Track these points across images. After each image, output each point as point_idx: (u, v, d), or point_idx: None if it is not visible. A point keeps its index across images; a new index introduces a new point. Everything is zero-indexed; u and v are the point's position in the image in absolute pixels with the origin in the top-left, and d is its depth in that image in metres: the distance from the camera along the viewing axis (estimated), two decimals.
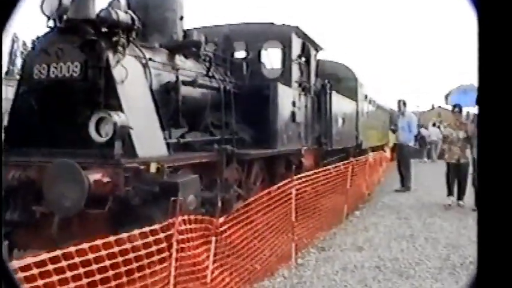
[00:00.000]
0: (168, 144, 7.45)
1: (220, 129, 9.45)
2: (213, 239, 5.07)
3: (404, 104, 16.69)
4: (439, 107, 51.72)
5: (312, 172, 9.47)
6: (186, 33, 9.13)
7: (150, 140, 7.00)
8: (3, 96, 7.90)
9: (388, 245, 8.85)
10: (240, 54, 12.19)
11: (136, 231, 4.13)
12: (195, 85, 8.42)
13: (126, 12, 7.09)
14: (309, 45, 12.89)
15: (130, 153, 6.44)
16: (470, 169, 12.66)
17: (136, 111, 6.83)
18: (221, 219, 5.31)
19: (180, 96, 8.00)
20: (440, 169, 14.60)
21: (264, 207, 6.99)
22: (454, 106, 13.60)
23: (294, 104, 11.40)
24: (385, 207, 13.15)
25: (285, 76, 11.54)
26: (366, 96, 21.76)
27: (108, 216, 6.17)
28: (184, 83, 8.21)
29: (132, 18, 7.12)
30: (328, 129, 14.08)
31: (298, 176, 8.37)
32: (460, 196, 12.92)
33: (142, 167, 6.29)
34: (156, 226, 4.29)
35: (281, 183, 7.77)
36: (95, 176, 5.82)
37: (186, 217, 4.73)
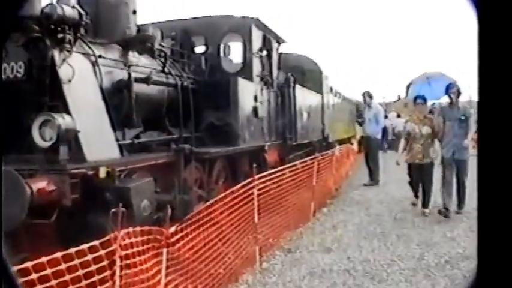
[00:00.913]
0: (120, 146, 7.01)
1: (178, 128, 9.03)
2: (164, 250, 4.61)
3: (370, 95, 16.24)
4: (406, 97, 51.66)
5: (274, 170, 9.05)
6: (140, 28, 8.67)
7: (100, 143, 6.56)
8: None
9: (357, 244, 8.45)
10: (200, 49, 11.75)
11: (72, 250, 3.65)
12: (149, 82, 7.97)
13: (73, 7, 6.62)
14: (270, 37, 12.47)
15: (78, 158, 6.01)
16: (437, 170, 11.04)
17: (85, 112, 6.39)
18: (172, 229, 4.84)
19: (133, 94, 7.55)
20: None
21: (223, 211, 6.55)
22: (416, 97, 11.77)
23: (255, 98, 10.99)
24: (353, 203, 12.69)
25: (245, 70, 11.11)
26: (331, 89, 21.41)
27: (56, 228, 5.77)
28: (138, 80, 7.77)
29: (80, 14, 6.65)
30: (293, 123, 13.65)
31: (260, 175, 7.93)
32: (425, 203, 10.99)
33: (90, 172, 5.87)
34: (96, 242, 3.80)
35: (240, 184, 7.35)
36: (38, 184, 5.39)
37: (130, 229, 4.23)
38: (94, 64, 7.05)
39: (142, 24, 8.89)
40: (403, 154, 11.54)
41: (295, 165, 10.32)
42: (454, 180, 10.64)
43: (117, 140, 7.09)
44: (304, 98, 15.07)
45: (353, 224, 10.10)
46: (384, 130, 30.42)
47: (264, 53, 12.20)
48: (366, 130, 16.42)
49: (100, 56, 7.21)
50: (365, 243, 8.53)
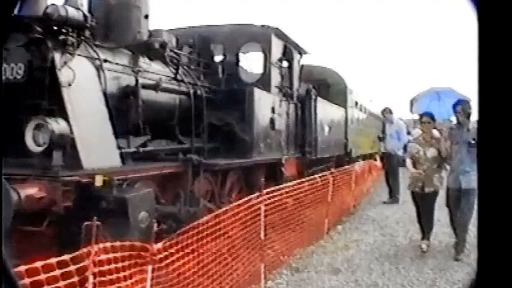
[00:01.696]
0: (122, 154, 6.73)
1: (190, 138, 8.75)
2: (149, 268, 4.29)
3: (391, 111, 15.81)
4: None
5: (284, 185, 8.70)
6: (152, 33, 8.42)
7: (100, 150, 6.30)
8: None
9: (368, 266, 8.05)
10: (219, 57, 11.46)
11: (39, 263, 3.35)
12: (157, 89, 7.70)
13: (78, 9, 6.39)
14: (291, 47, 12.15)
15: (74, 165, 5.76)
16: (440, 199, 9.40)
17: (85, 117, 6.14)
18: (158, 245, 4.52)
19: (139, 101, 7.29)
20: None
21: (225, 226, 6.23)
22: (422, 115, 9.99)
23: (273, 110, 10.67)
24: (370, 221, 12.23)
25: (263, 80, 10.80)
26: (356, 103, 21.05)
27: (51, 235, 5.52)
28: (146, 86, 7.52)
29: (85, 16, 6.46)
30: (313, 137, 13.27)
31: (268, 189, 7.58)
32: (425, 235, 9.29)
33: (85, 180, 5.61)
34: (66, 257, 3.50)
35: (245, 199, 7.02)
36: (27, 190, 5.15)
37: (108, 244, 3.93)
38: (98, 68, 6.79)
39: (155, 30, 8.65)
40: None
41: (309, 179, 9.95)
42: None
43: (120, 148, 6.83)
44: (326, 111, 14.72)
45: (366, 243, 9.69)
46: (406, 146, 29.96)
47: (285, 63, 11.89)
48: (386, 146, 15.93)
49: (106, 61, 6.97)
50: (376, 265, 8.15)
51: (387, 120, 15.84)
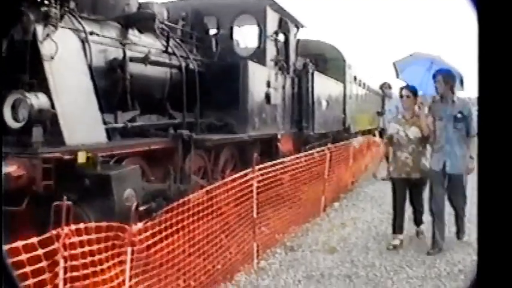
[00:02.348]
0: (108, 130, 6.46)
1: (182, 113, 8.47)
2: (129, 250, 4.03)
3: (390, 86, 15.46)
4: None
5: (277, 161, 8.43)
6: (142, 5, 8.14)
7: (84, 125, 6.02)
8: None
9: (365, 245, 7.78)
10: (214, 31, 11.15)
11: (4, 247, 3.08)
12: (146, 62, 7.40)
13: None
14: (287, 20, 11.80)
15: (56, 141, 5.50)
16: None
17: (68, 92, 5.87)
18: (139, 225, 4.25)
19: (127, 74, 7.02)
20: None
21: (215, 203, 5.98)
22: (402, 88, 8.50)
23: (268, 84, 10.36)
24: (367, 198, 11.96)
25: (258, 54, 10.51)
26: (355, 78, 20.71)
27: (30, 215, 5.27)
28: (134, 59, 7.24)
29: None
30: (310, 112, 12.94)
31: (260, 165, 7.32)
32: (417, 222, 8.42)
33: (67, 157, 5.34)
34: (34, 239, 3.24)
35: (235, 175, 6.76)
36: (5, 168, 4.86)
37: (81, 226, 3.66)
38: (84, 41, 6.50)
39: (146, 2, 8.36)
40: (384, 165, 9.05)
41: (306, 155, 9.68)
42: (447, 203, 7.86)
43: (106, 123, 6.58)
44: (323, 86, 14.38)
45: (363, 221, 9.41)
46: None
47: (281, 37, 11.59)
48: (385, 121, 15.53)
49: (92, 33, 6.68)
50: (373, 244, 7.87)
51: (386, 95, 15.53)
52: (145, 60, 7.38)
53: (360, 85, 22.25)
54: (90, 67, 6.43)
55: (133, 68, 7.24)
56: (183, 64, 8.60)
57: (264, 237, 7.20)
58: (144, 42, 7.87)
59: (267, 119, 10.35)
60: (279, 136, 10.87)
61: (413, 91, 8.14)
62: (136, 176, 6.10)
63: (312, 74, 13.02)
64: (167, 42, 8.35)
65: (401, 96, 8.24)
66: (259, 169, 7.11)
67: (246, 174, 6.84)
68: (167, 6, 9.68)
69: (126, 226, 4.13)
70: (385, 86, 15.51)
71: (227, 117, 9.22)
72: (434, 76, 7.75)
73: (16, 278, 2.63)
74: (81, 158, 5.43)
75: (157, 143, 7.27)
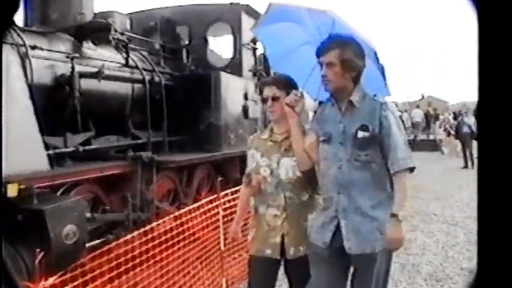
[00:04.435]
0: (51, 156, 5.71)
1: (147, 131, 7.74)
2: None
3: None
4: (429, 96, 50.42)
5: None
6: (100, 15, 7.44)
7: (19, 152, 5.25)
8: None
9: None
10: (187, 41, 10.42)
11: None
12: (99, 77, 6.65)
13: None
14: None
15: None
16: None
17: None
18: (49, 281, 3.46)
19: (76, 92, 6.27)
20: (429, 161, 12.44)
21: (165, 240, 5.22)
22: (266, 81, 4.74)
23: (246, 96, 9.60)
24: None
25: (234, 64, 9.76)
26: None
27: None
28: (84, 75, 6.47)
29: None
30: None
31: (228, 191, 6.51)
32: None
33: None
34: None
35: (197, 204, 6.00)
36: None
37: None
38: (23, 57, 5.76)
39: (104, 12, 7.65)
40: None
41: None
42: None
43: (52, 147, 5.85)
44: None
45: None
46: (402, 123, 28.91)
47: (260, 45, 10.87)
48: None
49: (35, 47, 5.95)
50: None
51: None
52: (98, 75, 6.63)
53: None
54: (29, 85, 5.68)
55: (86, 84, 6.50)
56: (147, 78, 7.85)
57: (234, 271, 6.41)
58: (100, 56, 7.12)
59: (245, 134, 9.60)
60: None
61: (287, 83, 4.08)
62: (80, 208, 5.34)
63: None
64: (127, 54, 7.59)
65: (263, 99, 4.18)
66: (226, 194, 6.32)
67: (211, 201, 6.07)
68: (137, 16, 9.02)
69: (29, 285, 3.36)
70: None
71: (199, 134, 8.48)
72: (322, 50, 3.72)
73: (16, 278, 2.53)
74: (12, 190, 4.69)
75: (113, 168, 6.53)
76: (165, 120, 8.04)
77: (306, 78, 3.87)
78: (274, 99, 4.06)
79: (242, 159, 9.50)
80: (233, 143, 8.98)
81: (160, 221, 5.54)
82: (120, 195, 6.75)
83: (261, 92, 4.26)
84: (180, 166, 7.77)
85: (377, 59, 3.73)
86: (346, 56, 3.58)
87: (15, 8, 2.22)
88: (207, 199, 6.09)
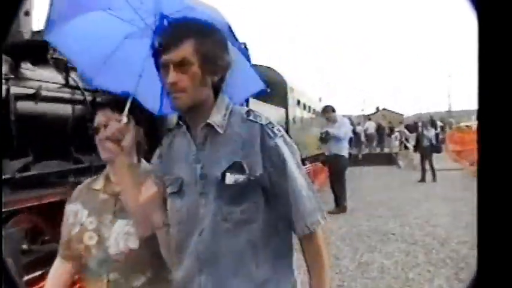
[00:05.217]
0: None
1: (90, 155, 7.36)
2: None
3: (333, 110, 14.26)
4: (384, 109, 50.85)
5: None
6: (36, 33, 7.06)
7: None
8: None
9: None
10: None
11: None
12: (36, 99, 6.28)
13: None
14: None
15: None
16: None
17: None
18: None
19: (11, 115, 5.89)
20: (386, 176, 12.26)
21: None
22: (104, 103, 3.23)
23: None
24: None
25: None
26: (298, 102, 19.89)
27: None
28: (21, 97, 6.10)
29: None
30: None
31: None
32: None
33: None
34: None
35: None
36: None
37: None
38: None
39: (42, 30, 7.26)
40: None
41: None
42: None
43: None
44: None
45: (303, 272, 7.97)
46: (357, 135, 29.28)
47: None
48: (330, 148, 14.01)
49: None
50: None
51: (330, 120, 14.19)
52: (35, 96, 6.26)
53: (304, 108, 21.50)
54: None
55: (22, 106, 6.14)
56: (89, 98, 7.47)
57: None
58: (38, 76, 6.74)
59: None
60: None
61: (117, 103, 2.68)
62: (14, 240, 5.00)
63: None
64: (66, 73, 7.22)
65: (94, 129, 2.80)
66: None
67: None
68: None
69: None
70: (327, 110, 14.26)
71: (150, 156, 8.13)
72: (165, 42, 2.24)
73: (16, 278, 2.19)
74: None
75: (53, 195, 6.16)
76: None
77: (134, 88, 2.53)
78: (114, 120, 2.66)
79: None
80: None
81: None
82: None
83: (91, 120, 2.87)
84: None
85: (234, 37, 2.35)
86: (205, 49, 2.20)
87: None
88: None
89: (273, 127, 2.26)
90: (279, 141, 2.22)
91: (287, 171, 2.20)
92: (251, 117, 2.26)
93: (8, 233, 4.97)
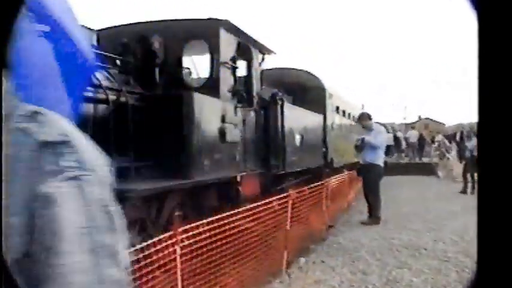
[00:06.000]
0: None
1: (112, 155, 7.03)
2: None
3: (369, 117, 13.77)
4: (427, 118, 50.04)
5: (211, 219, 6.59)
6: None
7: None
8: None
9: None
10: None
11: None
12: None
13: None
14: (248, 45, 10.40)
15: None
16: None
17: None
18: None
19: None
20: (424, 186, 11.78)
21: None
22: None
23: (223, 119, 8.90)
24: (340, 251, 9.84)
25: (211, 84, 9.06)
26: (337, 108, 19.38)
27: None
28: None
29: None
30: (280, 148, 11.49)
31: (186, 227, 5.74)
32: None
33: None
34: None
35: (151, 241, 5.21)
36: None
37: None
38: None
39: None
40: None
41: (254, 207, 7.94)
42: None
43: None
44: (296, 117, 12.91)
45: (329, 286, 7.58)
46: (397, 140, 28.84)
47: (242, 63, 10.21)
48: (365, 157, 13.67)
49: None
50: None
51: (366, 128, 13.71)
52: None
53: (343, 115, 21.00)
54: None
55: None
56: (111, 97, 7.16)
57: None
58: None
59: (223, 159, 8.89)
60: (238, 178, 9.41)
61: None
62: None
63: (281, 105, 11.58)
64: None
65: None
66: (185, 230, 5.56)
67: (169, 237, 5.33)
68: (103, 31, 8.36)
69: None
70: (363, 118, 13.82)
71: (169, 160, 7.76)
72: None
73: (16, 278, 1.83)
74: None
75: None
76: (132, 144, 7.33)
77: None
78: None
79: (218, 186, 8.88)
80: (208, 169, 8.28)
81: None
82: None
83: None
84: (148, 195, 7.09)
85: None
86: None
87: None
88: (161, 236, 5.32)
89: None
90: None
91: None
92: None
93: None
